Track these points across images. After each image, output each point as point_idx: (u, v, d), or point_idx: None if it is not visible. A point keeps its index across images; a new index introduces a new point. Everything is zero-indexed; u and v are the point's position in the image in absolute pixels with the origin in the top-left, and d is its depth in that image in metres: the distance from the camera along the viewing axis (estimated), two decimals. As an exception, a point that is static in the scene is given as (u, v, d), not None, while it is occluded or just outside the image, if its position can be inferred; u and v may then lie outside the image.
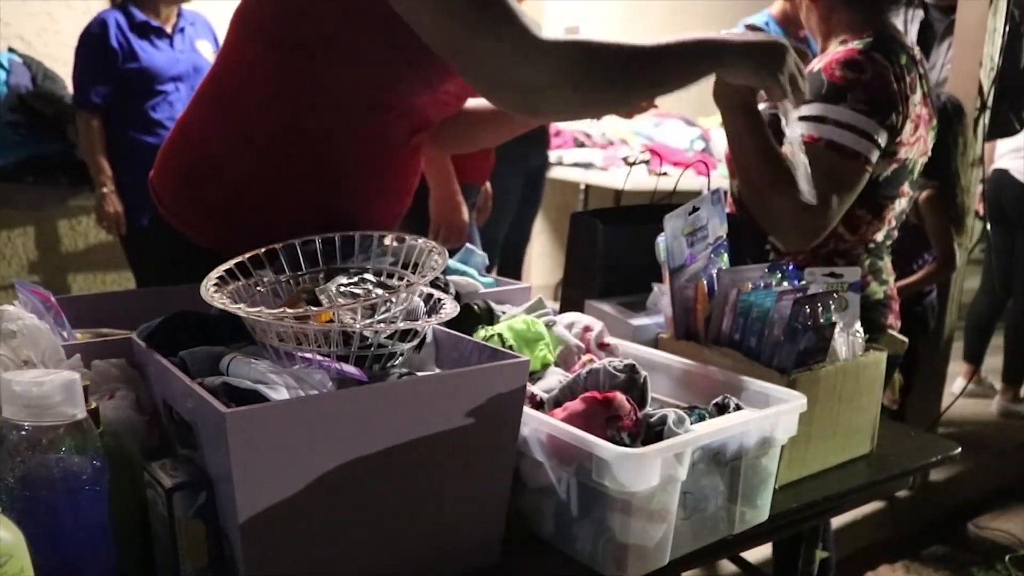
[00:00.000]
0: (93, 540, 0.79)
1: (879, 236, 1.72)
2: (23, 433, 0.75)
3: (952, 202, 2.81)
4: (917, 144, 1.66)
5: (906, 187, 1.70)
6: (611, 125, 4.99)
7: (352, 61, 1.26)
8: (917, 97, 1.62)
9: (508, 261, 3.54)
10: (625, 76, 1.17)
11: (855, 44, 1.61)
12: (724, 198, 1.38)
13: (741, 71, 1.28)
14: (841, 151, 1.53)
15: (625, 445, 0.96)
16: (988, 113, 2.88)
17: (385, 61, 1.26)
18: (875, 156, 1.55)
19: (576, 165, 4.56)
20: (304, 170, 1.34)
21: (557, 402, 1.07)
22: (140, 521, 0.90)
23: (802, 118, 1.56)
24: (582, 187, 4.69)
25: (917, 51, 1.69)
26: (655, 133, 4.94)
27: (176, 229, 1.40)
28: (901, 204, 1.72)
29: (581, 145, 4.77)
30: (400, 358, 1.00)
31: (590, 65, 1.14)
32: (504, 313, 1.29)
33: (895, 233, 1.78)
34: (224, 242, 1.31)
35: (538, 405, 1.08)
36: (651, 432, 1.00)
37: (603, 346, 1.26)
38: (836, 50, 1.63)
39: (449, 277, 1.33)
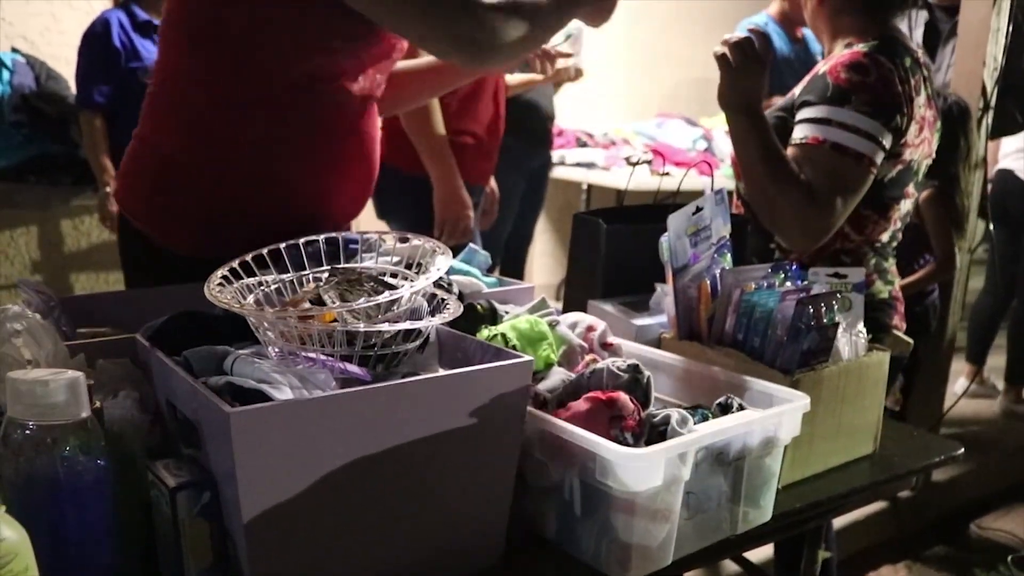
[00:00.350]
0: (97, 539, 0.79)
1: (885, 236, 1.72)
2: (28, 432, 0.76)
3: (952, 202, 2.80)
4: (922, 146, 1.66)
5: (911, 188, 1.70)
6: (614, 125, 4.99)
7: (277, 38, 1.29)
8: (922, 99, 1.62)
9: (510, 261, 3.54)
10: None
11: (860, 47, 1.61)
12: (727, 198, 1.38)
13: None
14: (845, 152, 1.54)
15: (629, 445, 0.96)
16: (992, 113, 2.88)
17: (304, 29, 1.29)
18: (879, 158, 1.56)
19: (578, 165, 4.55)
20: (261, 159, 1.37)
21: (560, 402, 1.07)
22: (144, 520, 0.91)
23: (807, 120, 1.57)
24: (584, 187, 4.68)
25: (922, 53, 1.69)
26: (657, 133, 4.94)
27: (151, 239, 1.43)
28: (906, 205, 1.72)
29: (583, 145, 4.77)
30: (404, 358, 1.00)
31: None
32: (507, 313, 1.29)
33: (900, 235, 1.78)
34: (201, 247, 1.36)
35: (541, 405, 1.08)
36: (654, 432, 1.00)
37: (606, 346, 1.26)
38: (841, 53, 1.63)
39: (452, 277, 1.33)
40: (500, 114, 2.74)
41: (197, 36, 1.34)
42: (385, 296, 0.97)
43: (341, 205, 1.50)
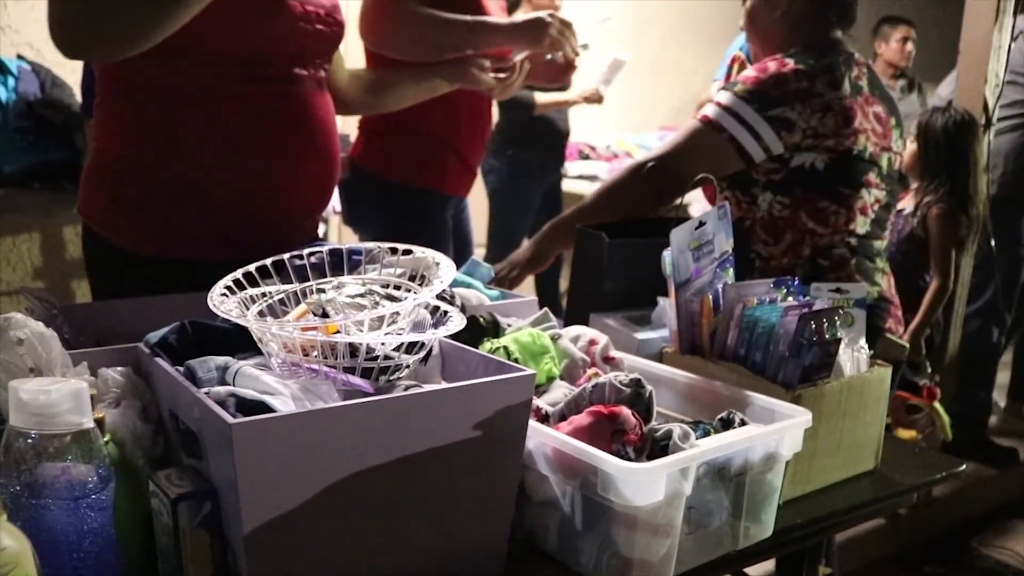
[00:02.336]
0: (98, 549, 0.79)
1: (858, 228, 1.74)
2: (29, 441, 0.76)
3: (960, 220, 2.82)
4: (861, 136, 1.71)
5: (873, 178, 1.75)
6: (616, 137, 5.00)
7: (200, 28, 1.26)
8: (843, 93, 1.70)
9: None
10: None
11: (778, 55, 1.75)
12: (730, 213, 1.38)
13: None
14: (708, 122, 1.72)
15: (630, 460, 0.96)
16: (993, 128, 2.89)
17: (219, 12, 1.26)
18: (748, 141, 1.68)
19: (581, 177, 4.56)
20: (205, 154, 1.39)
21: (562, 416, 1.07)
22: (145, 530, 0.90)
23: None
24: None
25: (860, 57, 1.81)
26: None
27: (112, 243, 1.44)
28: (874, 195, 1.75)
29: (586, 157, 4.78)
30: (406, 370, 1.00)
31: None
32: (510, 326, 1.29)
33: (886, 235, 1.80)
34: (161, 246, 1.38)
35: (543, 419, 1.08)
36: (656, 447, 1.00)
37: (608, 360, 1.26)
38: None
39: (455, 289, 1.33)
40: (487, 126, 2.54)
41: None
42: (388, 308, 0.97)
43: (299, 198, 1.49)
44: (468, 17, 1.90)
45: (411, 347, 0.98)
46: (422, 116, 2.07)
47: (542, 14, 1.89)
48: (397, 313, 0.98)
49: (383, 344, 0.95)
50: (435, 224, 2.24)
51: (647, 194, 1.78)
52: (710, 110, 1.73)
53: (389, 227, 2.20)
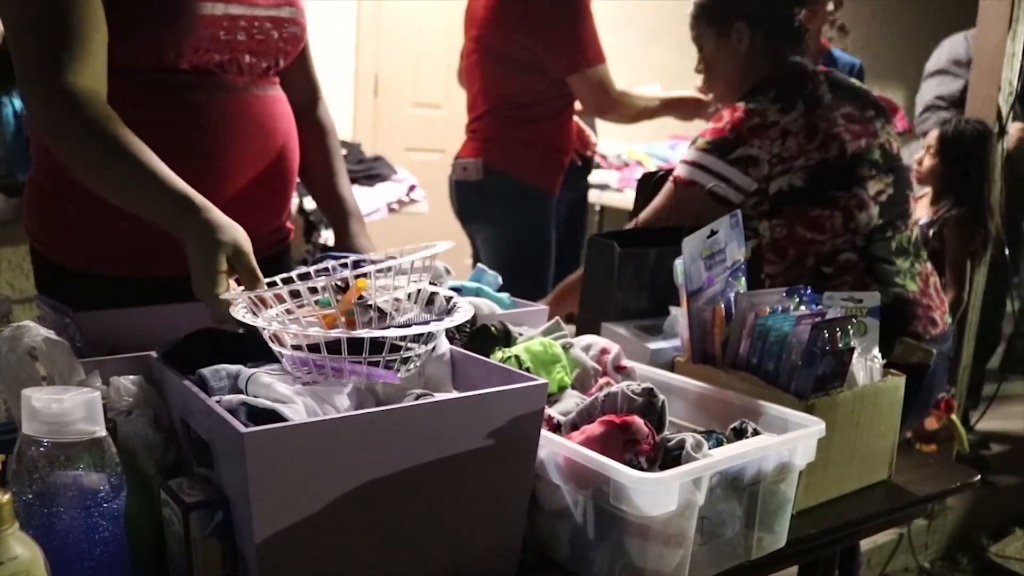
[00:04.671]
0: (109, 557, 0.79)
1: (860, 226, 1.74)
2: (42, 449, 0.76)
3: (977, 229, 2.81)
4: (833, 143, 1.74)
5: (866, 171, 1.76)
6: (627, 146, 4.99)
7: (112, 36, 1.26)
8: (796, 113, 1.74)
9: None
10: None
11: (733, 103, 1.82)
12: (742, 221, 1.38)
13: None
14: (682, 182, 1.79)
15: (643, 469, 0.95)
16: (1007, 137, 2.88)
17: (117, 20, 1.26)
18: (722, 189, 1.74)
19: (591, 187, 4.55)
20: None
21: (574, 425, 1.07)
22: (156, 539, 0.90)
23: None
24: (597, 208, 4.68)
25: (815, 68, 1.86)
26: (671, 155, 4.94)
27: (50, 258, 1.43)
28: (873, 188, 1.77)
29: (597, 166, 4.77)
30: (421, 361, 0.99)
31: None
32: (521, 335, 1.29)
33: (909, 225, 1.80)
34: (93, 261, 1.36)
35: (555, 428, 1.08)
36: (669, 457, 0.99)
37: (620, 369, 1.26)
38: None
39: (466, 298, 1.33)
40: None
41: None
42: (412, 329, 0.94)
43: (239, 213, 1.35)
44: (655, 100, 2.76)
45: (419, 338, 0.97)
46: (544, 128, 2.65)
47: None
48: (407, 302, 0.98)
49: (403, 338, 0.94)
50: (552, 222, 2.73)
51: None
52: (680, 170, 1.80)
53: (521, 226, 2.68)
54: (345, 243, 1.57)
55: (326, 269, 1.14)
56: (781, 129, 1.73)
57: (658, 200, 1.84)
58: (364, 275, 0.97)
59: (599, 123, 4.52)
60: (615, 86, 2.61)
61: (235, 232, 1.11)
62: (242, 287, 1.07)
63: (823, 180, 1.74)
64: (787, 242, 1.76)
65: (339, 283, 0.96)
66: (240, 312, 0.98)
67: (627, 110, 2.68)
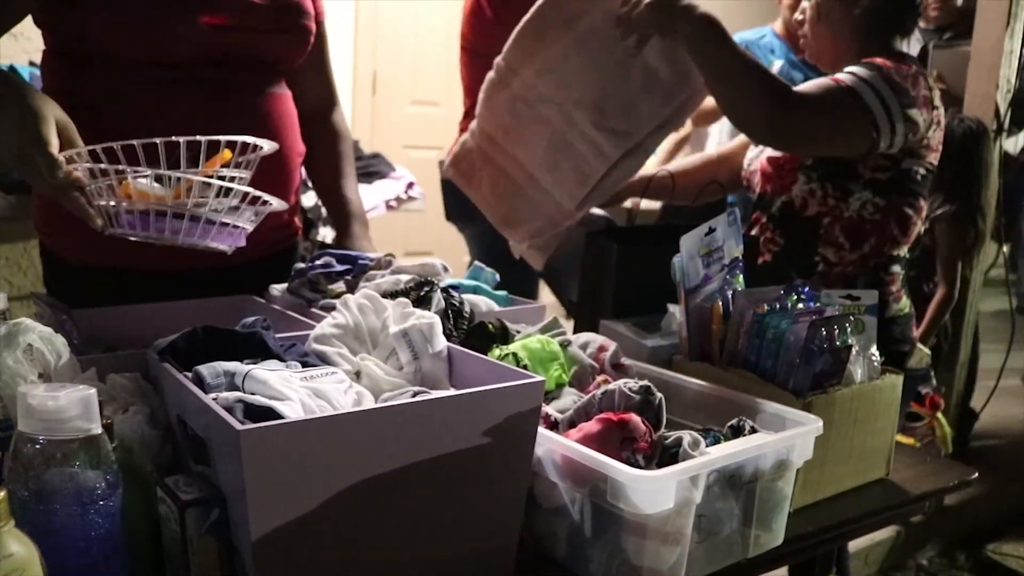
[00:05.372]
0: (106, 555, 0.79)
1: (906, 248, 1.74)
2: (38, 447, 0.76)
3: (968, 230, 2.81)
4: (935, 152, 1.71)
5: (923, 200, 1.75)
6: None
7: (99, 18, 1.29)
8: (941, 107, 1.68)
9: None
10: None
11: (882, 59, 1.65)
12: (740, 219, 1.38)
13: None
14: (852, 93, 1.58)
15: (640, 467, 0.95)
16: (1005, 135, 2.88)
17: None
18: (883, 123, 1.58)
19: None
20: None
21: (572, 423, 1.07)
22: (152, 537, 0.90)
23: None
24: (596, 206, 4.68)
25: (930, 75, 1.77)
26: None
27: (52, 251, 1.45)
28: (919, 217, 1.75)
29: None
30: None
31: None
32: (519, 332, 1.28)
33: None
34: (87, 254, 1.38)
35: (552, 426, 1.08)
36: (666, 454, 0.99)
37: (618, 367, 1.25)
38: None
39: (464, 295, 1.33)
40: None
41: (50, 46, 1.44)
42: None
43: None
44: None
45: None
46: None
47: None
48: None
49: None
50: None
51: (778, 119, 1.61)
52: (852, 80, 1.59)
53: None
54: (345, 244, 1.58)
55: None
56: (937, 117, 1.66)
57: (816, 89, 1.61)
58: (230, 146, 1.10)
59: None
60: None
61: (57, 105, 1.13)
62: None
63: (924, 183, 1.70)
64: (872, 229, 1.69)
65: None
66: (83, 170, 1.03)
67: None
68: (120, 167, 1.07)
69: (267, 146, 1.18)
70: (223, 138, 1.14)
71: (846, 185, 1.68)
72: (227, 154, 1.11)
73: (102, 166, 1.07)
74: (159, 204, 1.08)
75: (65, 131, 1.08)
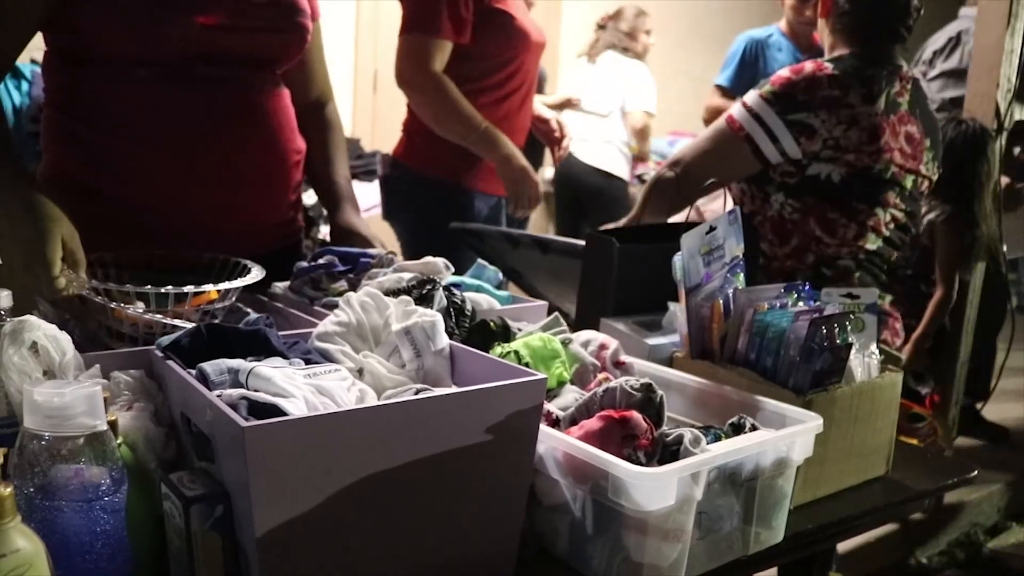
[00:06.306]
0: (110, 550, 0.80)
1: (869, 244, 1.73)
2: (43, 443, 0.76)
3: (965, 232, 2.82)
4: (886, 155, 1.70)
5: (892, 197, 1.73)
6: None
7: (94, 22, 1.33)
8: (876, 109, 1.69)
9: None
10: None
11: (820, 59, 1.75)
12: (741, 217, 1.38)
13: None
14: (730, 123, 1.76)
15: (641, 464, 0.95)
16: (1006, 134, 2.88)
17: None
18: (762, 141, 1.69)
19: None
20: (93, 159, 1.42)
21: (573, 420, 1.07)
22: (157, 533, 0.91)
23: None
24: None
25: (914, 71, 1.80)
26: (670, 151, 4.94)
27: None
28: (891, 214, 1.74)
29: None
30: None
31: None
32: (520, 330, 1.29)
33: (896, 253, 1.80)
34: (96, 252, 1.37)
35: (554, 423, 1.08)
36: (667, 452, 1.00)
37: (619, 364, 1.26)
38: None
39: (465, 294, 1.33)
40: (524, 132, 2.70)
41: (51, 49, 1.47)
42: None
43: (235, 204, 1.47)
44: (481, 124, 2.26)
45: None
46: None
47: (526, 175, 2.30)
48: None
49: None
50: (465, 217, 2.41)
51: (676, 202, 1.81)
52: (735, 111, 1.73)
53: (420, 218, 2.43)
54: (337, 220, 1.60)
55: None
56: (852, 115, 1.67)
57: (705, 137, 1.80)
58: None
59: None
60: (433, 67, 2.23)
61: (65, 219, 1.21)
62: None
63: (857, 186, 1.70)
64: (793, 228, 1.75)
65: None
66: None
67: (427, 97, 2.28)
68: (111, 302, 1.18)
69: (256, 271, 1.29)
70: (209, 287, 1.22)
71: (764, 188, 1.77)
72: (213, 294, 1.21)
73: (96, 292, 1.19)
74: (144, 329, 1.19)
75: (70, 242, 1.18)
